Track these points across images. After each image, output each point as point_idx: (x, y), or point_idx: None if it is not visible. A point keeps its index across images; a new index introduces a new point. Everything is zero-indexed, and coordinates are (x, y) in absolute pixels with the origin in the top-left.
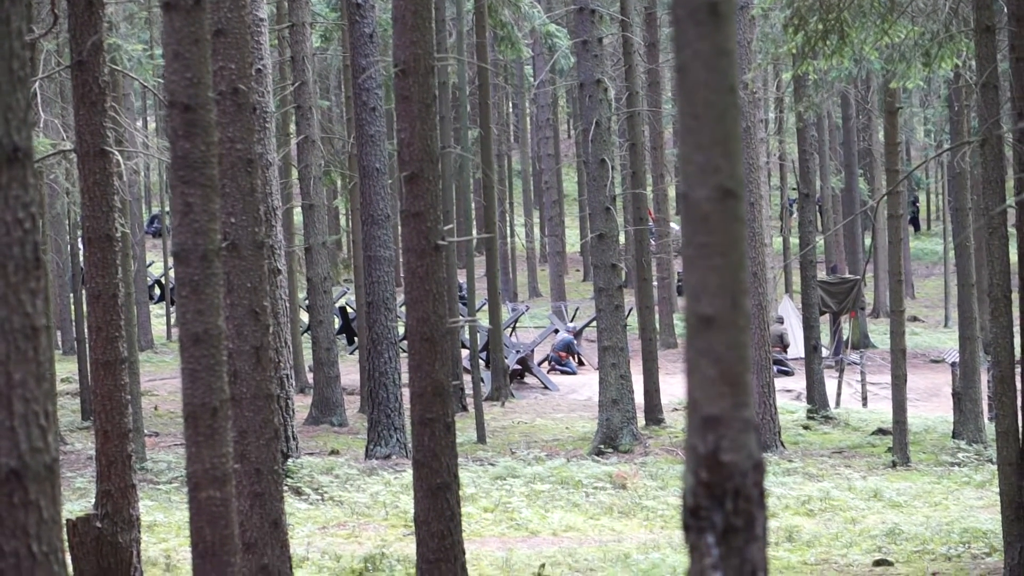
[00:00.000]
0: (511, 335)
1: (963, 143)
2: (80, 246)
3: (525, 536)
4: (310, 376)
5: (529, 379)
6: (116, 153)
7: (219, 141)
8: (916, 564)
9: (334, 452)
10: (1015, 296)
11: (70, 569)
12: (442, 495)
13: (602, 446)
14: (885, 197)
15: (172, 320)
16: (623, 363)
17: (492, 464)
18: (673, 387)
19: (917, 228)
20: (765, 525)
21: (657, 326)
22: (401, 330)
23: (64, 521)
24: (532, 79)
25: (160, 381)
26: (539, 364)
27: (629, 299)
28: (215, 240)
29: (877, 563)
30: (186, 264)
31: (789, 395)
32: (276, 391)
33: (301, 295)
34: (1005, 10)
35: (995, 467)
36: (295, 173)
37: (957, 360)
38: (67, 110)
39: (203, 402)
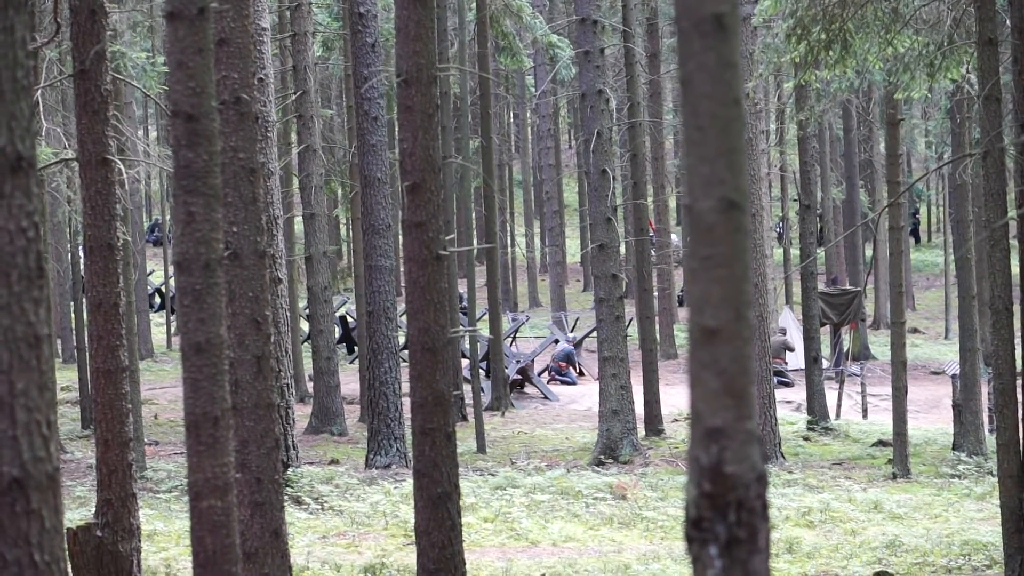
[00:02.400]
0: (511, 345)
1: (965, 155)
2: (81, 254)
3: (525, 546)
4: (310, 385)
5: (529, 389)
6: (118, 162)
7: (222, 150)
8: None
9: (334, 461)
10: (1016, 308)
11: None
12: (443, 505)
13: (602, 456)
14: (886, 209)
15: (172, 329)
16: (623, 373)
17: (492, 474)
18: (673, 398)
19: (918, 240)
20: (768, 537)
21: (657, 337)
22: (401, 340)
23: (65, 530)
24: (533, 89)
25: (160, 390)
26: (539, 374)
27: (630, 310)
28: (217, 249)
29: (877, 575)
30: (188, 273)
31: (789, 406)
32: (277, 400)
33: (301, 304)
34: (1008, 22)
35: (995, 479)
36: (296, 182)
37: (958, 372)
38: (69, 119)
39: (205, 411)
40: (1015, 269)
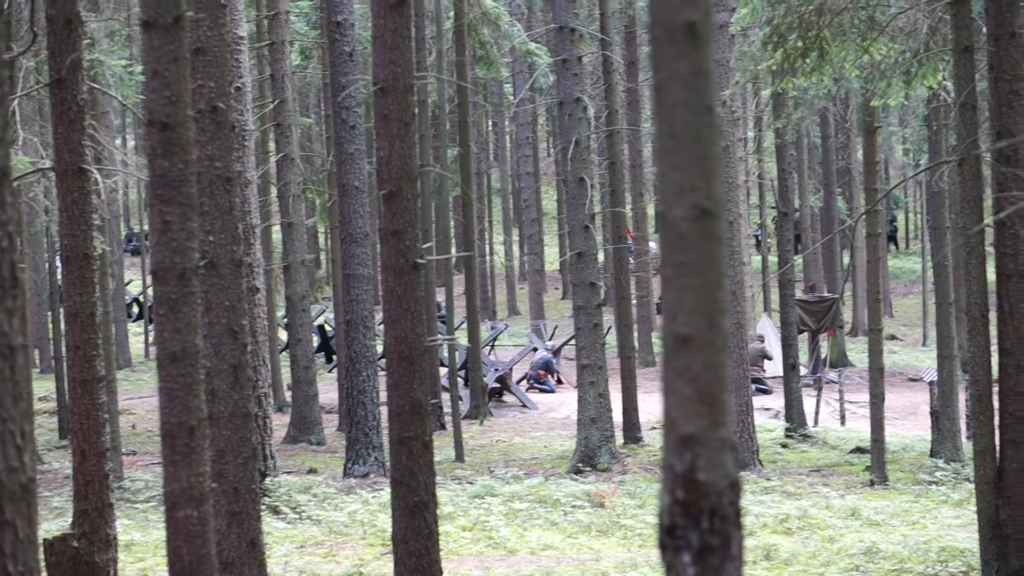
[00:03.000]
0: (490, 353)
1: (941, 162)
2: (58, 264)
3: (503, 555)
4: (288, 394)
5: (508, 397)
6: (95, 171)
7: (198, 159)
8: None
9: (312, 471)
10: (992, 315)
11: None
12: (420, 514)
13: (580, 464)
14: (863, 216)
15: (150, 338)
16: (602, 381)
17: (470, 483)
18: (652, 405)
19: (897, 246)
20: (741, 544)
21: (636, 344)
22: (380, 348)
23: (41, 541)
24: (512, 97)
25: (138, 400)
26: (518, 382)
27: (608, 317)
28: (193, 258)
29: None
30: (164, 282)
31: (767, 413)
32: (254, 410)
33: (280, 313)
34: (984, 30)
35: (972, 486)
36: (274, 191)
37: (935, 379)
38: (46, 128)
39: (180, 421)
40: (991, 276)
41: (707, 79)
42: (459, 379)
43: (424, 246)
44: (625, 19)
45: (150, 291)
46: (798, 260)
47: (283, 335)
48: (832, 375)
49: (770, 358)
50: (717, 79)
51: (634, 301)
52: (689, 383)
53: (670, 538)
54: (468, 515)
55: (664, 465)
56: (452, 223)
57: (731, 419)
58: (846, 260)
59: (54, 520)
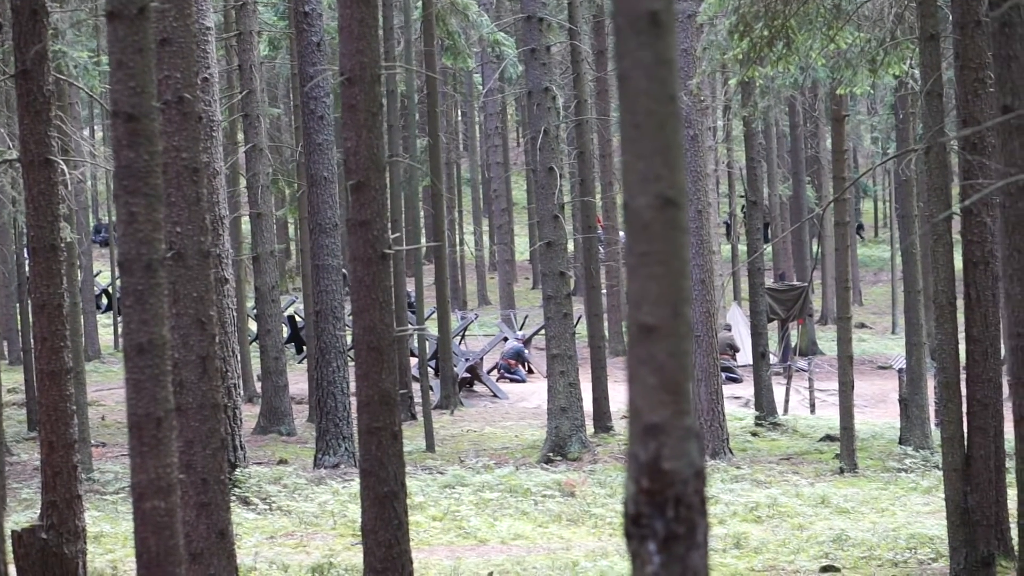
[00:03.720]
0: (460, 343)
1: (908, 151)
2: (26, 255)
3: (474, 544)
4: (258, 385)
5: (478, 387)
6: (61, 162)
7: (164, 150)
8: (863, 570)
9: (282, 461)
10: (960, 303)
11: None
12: (389, 504)
13: (551, 454)
14: (832, 204)
15: (119, 330)
16: (572, 371)
17: (441, 472)
18: (622, 394)
19: (862, 237)
20: (707, 532)
21: (606, 334)
22: (349, 339)
23: (9, 532)
24: (481, 87)
25: (107, 391)
26: (488, 372)
27: (578, 307)
28: (159, 249)
29: (824, 569)
30: (130, 274)
31: (737, 402)
32: (223, 401)
33: (249, 304)
34: (950, 18)
35: (941, 473)
36: (243, 182)
37: (904, 366)
38: (12, 119)
39: (147, 412)
40: (958, 264)
41: (670, 68)
42: (429, 369)
43: (393, 236)
44: (593, 8)
45: (119, 282)
46: (767, 249)
47: (253, 326)
48: (802, 363)
49: (737, 349)
50: (685, 68)
51: (604, 290)
52: (653, 372)
53: (635, 527)
54: (438, 505)
55: (629, 454)
56: (422, 213)
57: (696, 408)
58: (815, 248)
59: (23, 512)
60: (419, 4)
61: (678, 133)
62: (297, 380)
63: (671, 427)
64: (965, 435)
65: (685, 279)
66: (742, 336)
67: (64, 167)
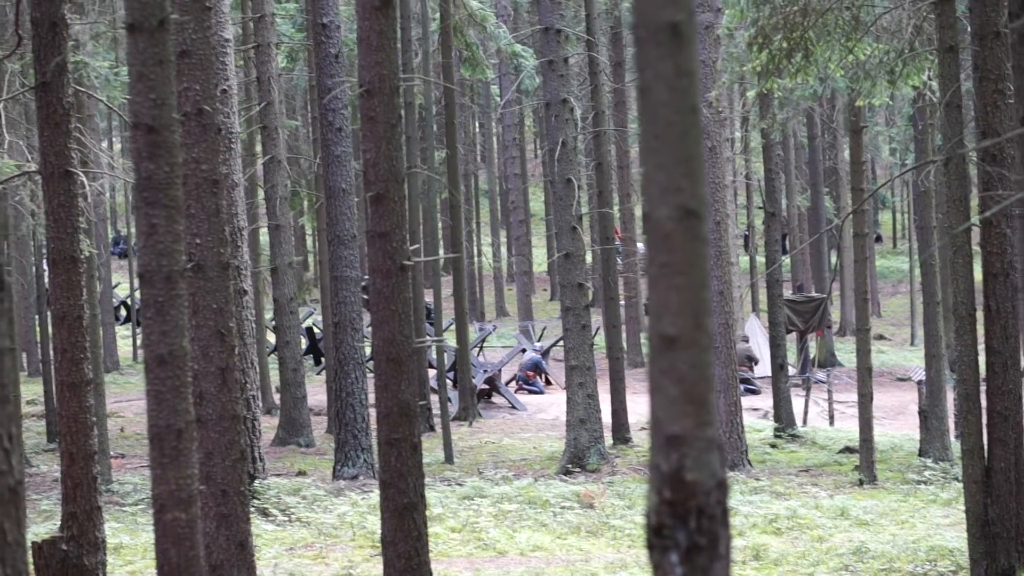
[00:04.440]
0: (478, 355)
1: (927, 162)
2: (45, 267)
3: (492, 556)
4: (277, 397)
5: (496, 399)
6: (81, 174)
7: (184, 162)
8: None
9: (301, 473)
10: (980, 314)
11: None
12: (409, 515)
13: (569, 465)
14: (851, 215)
15: (138, 341)
16: (590, 382)
17: (459, 484)
18: (640, 406)
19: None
20: (729, 544)
21: (624, 345)
22: (368, 350)
23: (29, 544)
24: (499, 99)
25: (126, 402)
26: (506, 384)
27: (596, 318)
28: (180, 261)
29: None
30: (151, 285)
31: (756, 414)
32: (242, 412)
33: (268, 315)
34: (969, 29)
35: (961, 485)
36: (261, 193)
37: (923, 378)
38: (32, 131)
39: (168, 424)
40: (978, 275)
41: (691, 79)
42: (448, 380)
43: (412, 248)
44: (611, 20)
45: (137, 294)
46: (786, 260)
47: (271, 337)
48: (820, 375)
49: (756, 361)
50: (704, 80)
51: (622, 302)
52: (675, 383)
53: (658, 538)
54: (457, 516)
55: (651, 465)
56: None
57: (718, 419)
58: (834, 260)
59: (42, 523)
60: (437, 16)
61: (699, 144)
62: (315, 392)
63: (693, 438)
64: (985, 447)
65: (706, 290)
66: (760, 347)
67: (84, 179)
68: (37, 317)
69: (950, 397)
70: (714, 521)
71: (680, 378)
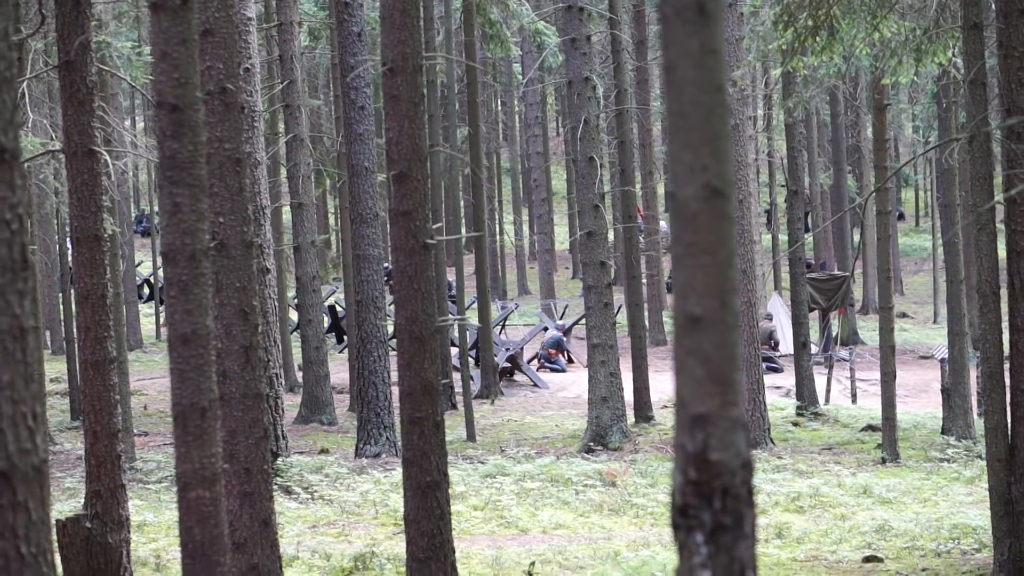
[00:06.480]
0: (500, 333)
1: (951, 140)
2: (69, 246)
3: (515, 534)
4: (299, 375)
5: (519, 377)
6: (104, 153)
7: (207, 141)
8: (906, 560)
9: (324, 451)
10: (1003, 292)
11: (59, 570)
12: (432, 493)
13: (592, 444)
14: (874, 193)
15: (161, 319)
16: (612, 361)
17: (482, 462)
18: (663, 384)
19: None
20: (754, 523)
21: (646, 323)
22: (390, 328)
23: (53, 522)
24: (521, 77)
25: (149, 380)
26: (529, 362)
27: (618, 296)
28: (203, 240)
29: (867, 559)
30: (174, 264)
31: (778, 392)
32: (265, 390)
33: (290, 294)
34: (993, 6)
35: (984, 463)
36: (284, 172)
37: (946, 356)
38: (56, 110)
39: (192, 402)
40: (1002, 253)
41: (717, 58)
42: (470, 359)
43: (434, 226)
44: None
45: (160, 272)
46: (808, 238)
47: (294, 316)
48: (843, 353)
49: (778, 340)
50: (728, 58)
51: (644, 280)
52: (700, 363)
53: (683, 517)
54: (480, 495)
55: (676, 444)
56: (462, 203)
57: (743, 398)
58: (856, 238)
59: (67, 501)
60: None
61: (725, 123)
62: (338, 370)
63: (718, 418)
64: (1009, 425)
65: (732, 269)
66: (783, 326)
67: (107, 158)
68: (61, 296)
69: (973, 375)
70: (739, 501)
71: (705, 358)
